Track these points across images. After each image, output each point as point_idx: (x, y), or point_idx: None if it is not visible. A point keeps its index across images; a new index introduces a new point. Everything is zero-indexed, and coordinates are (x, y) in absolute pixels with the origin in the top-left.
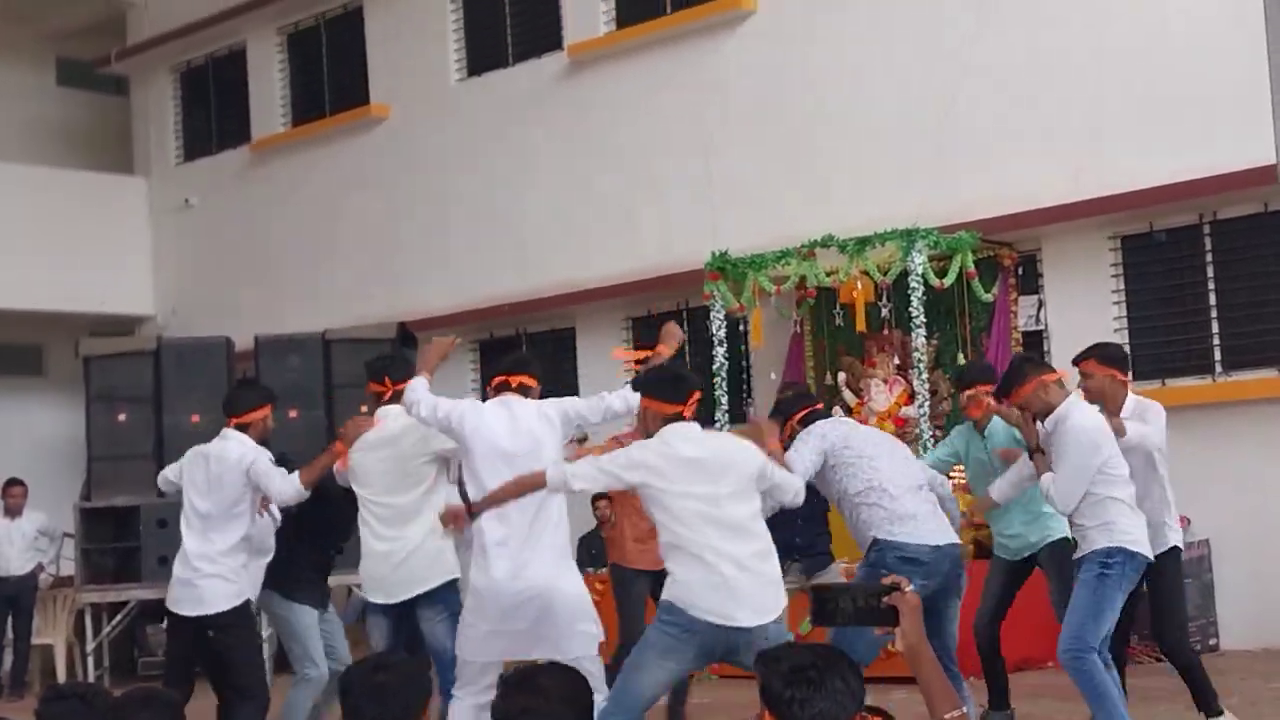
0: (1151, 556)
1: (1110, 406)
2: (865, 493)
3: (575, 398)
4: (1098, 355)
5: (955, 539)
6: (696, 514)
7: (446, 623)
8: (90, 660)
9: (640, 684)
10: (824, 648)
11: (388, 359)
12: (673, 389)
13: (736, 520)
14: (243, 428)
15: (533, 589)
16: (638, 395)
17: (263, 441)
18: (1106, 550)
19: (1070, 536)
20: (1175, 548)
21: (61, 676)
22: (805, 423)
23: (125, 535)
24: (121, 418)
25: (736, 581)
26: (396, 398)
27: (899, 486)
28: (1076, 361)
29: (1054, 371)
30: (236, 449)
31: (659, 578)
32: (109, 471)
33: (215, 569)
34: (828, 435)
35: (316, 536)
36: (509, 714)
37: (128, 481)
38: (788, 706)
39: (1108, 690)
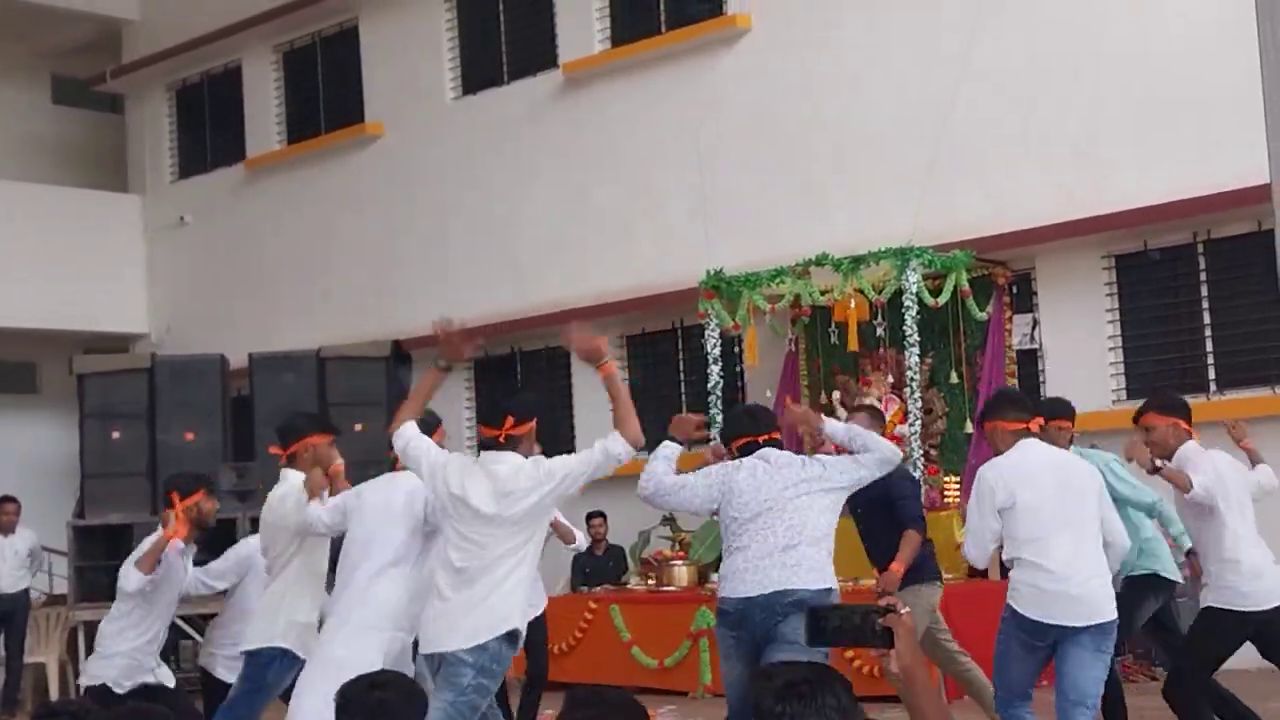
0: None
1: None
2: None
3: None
4: (1157, 406)
5: (775, 588)
6: None
7: None
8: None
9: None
10: (816, 665)
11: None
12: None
13: None
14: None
15: None
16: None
17: (200, 527)
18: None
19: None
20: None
21: (54, 695)
22: (744, 452)
23: (118, 553)
24: (115, 435)
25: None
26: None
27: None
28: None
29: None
30: None
31: None
32: (102, 489)
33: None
34: (713, 477)
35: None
36: None
37: (121, 499)
38: None
39: None
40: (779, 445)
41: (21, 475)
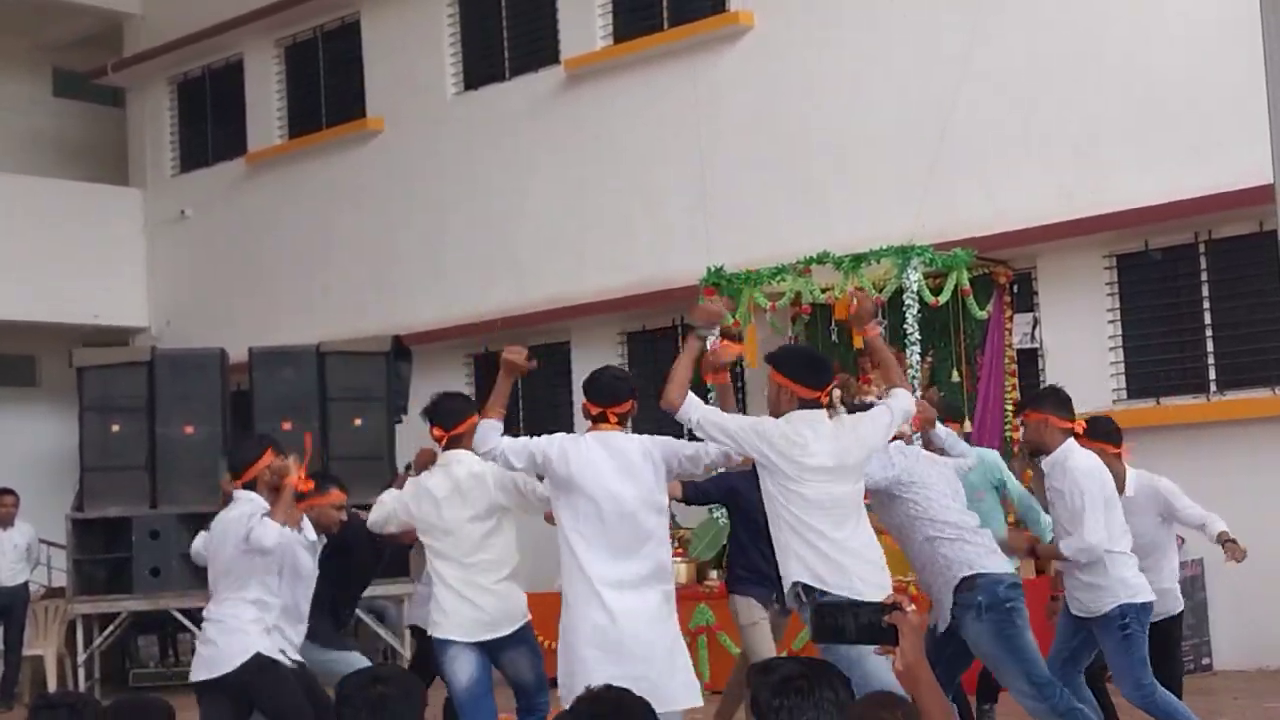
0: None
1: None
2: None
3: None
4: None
5: None
6: None
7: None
8: (81, 671)
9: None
10: (814, 660)
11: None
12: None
13: None
14: (249, 486)
15: None
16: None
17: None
18: None
19: None
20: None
21: (52, 687)
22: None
23: (117, 546)
24: (115, 428)
25: None
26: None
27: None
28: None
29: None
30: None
31: None
32: (101, 482)
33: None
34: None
35: (338, 584)
36: None
37: (120, 492)
38: (776, 715)
39: None
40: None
41: (20, 468)
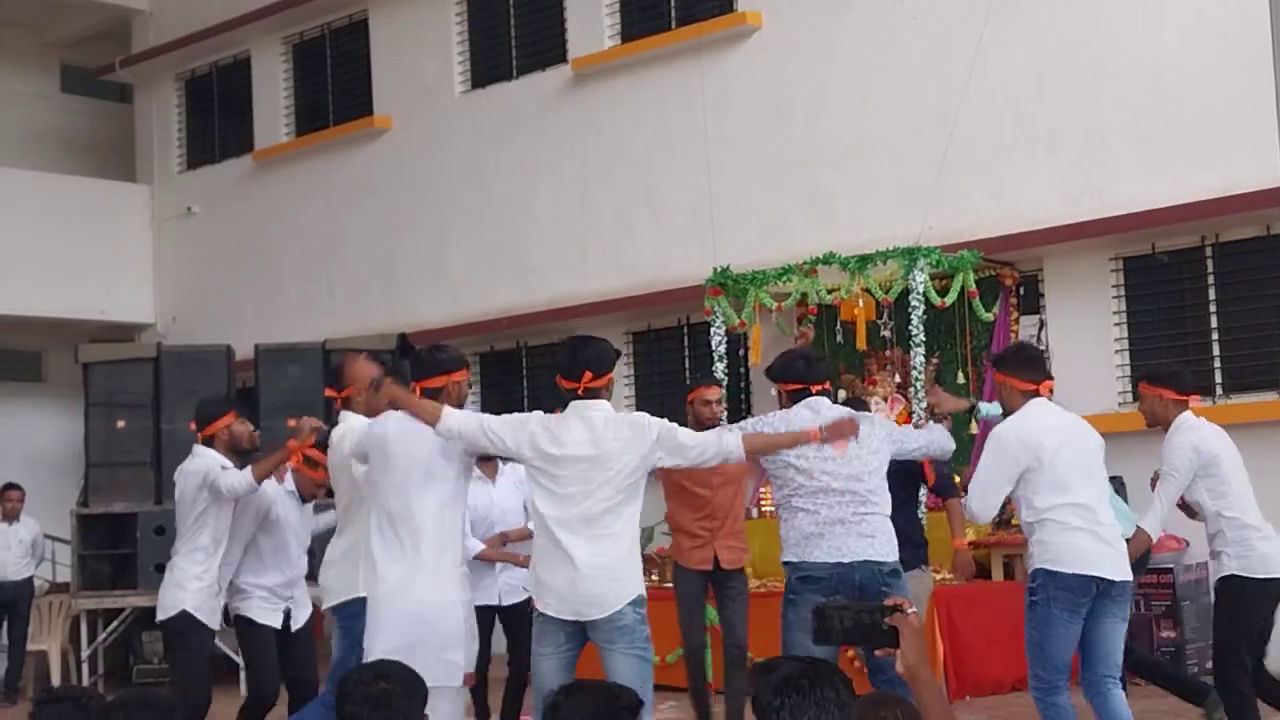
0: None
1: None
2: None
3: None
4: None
5: (870, 557)
6: None
7: None
8: (85, 667)
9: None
10: (814, 659)
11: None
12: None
13: None
14: (209, 441)
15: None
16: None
17: (236, 450)
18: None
19: None
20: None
21: (56, 683)
22: (794, 399)
23: (122, 542)
24: (120, 424)
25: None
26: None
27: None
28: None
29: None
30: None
31: (713, 577)
32: (107, 478)
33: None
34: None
35: None
36: None
37: (125, 488)
38: (777, 715)
39: None
40: (830, 396)
41: (26, 463)
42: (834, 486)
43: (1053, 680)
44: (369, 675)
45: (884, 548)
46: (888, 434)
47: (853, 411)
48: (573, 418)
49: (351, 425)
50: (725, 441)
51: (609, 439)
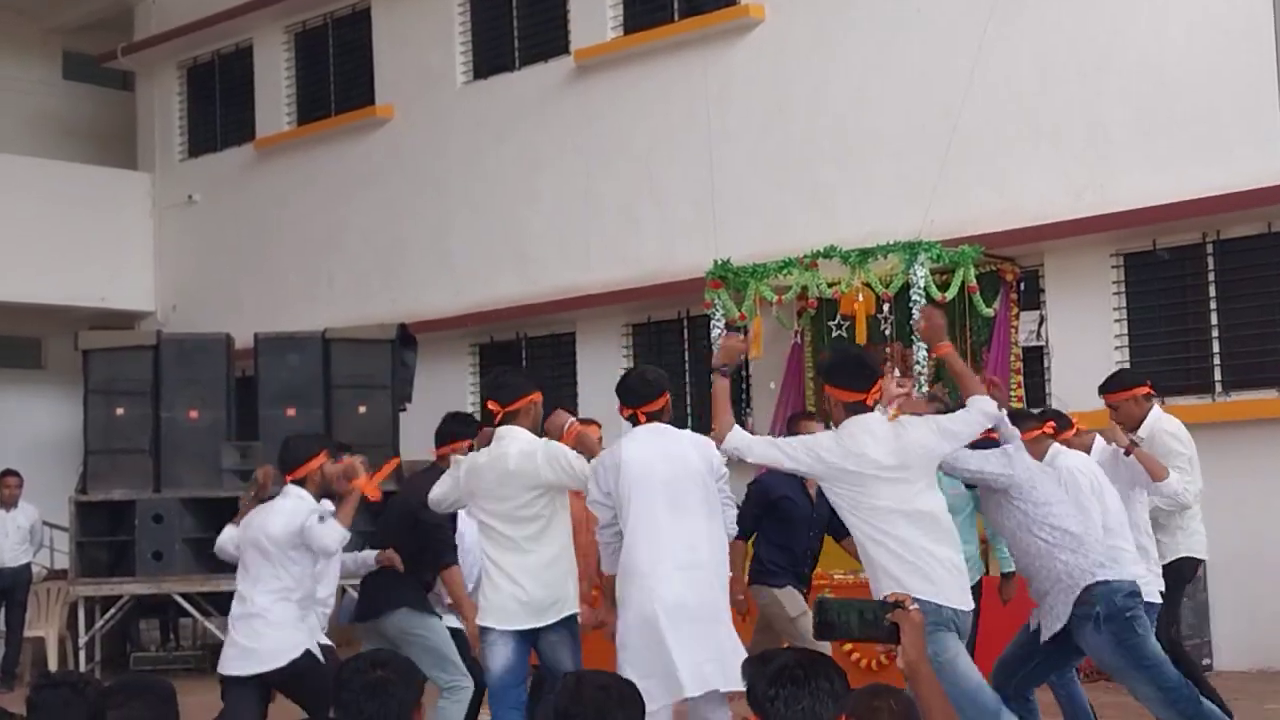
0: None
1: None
2: None
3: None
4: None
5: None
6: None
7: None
8: (82, 654)
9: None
10: (809, 651)
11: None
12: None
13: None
14: (299, 482)
15: None
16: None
17: (328, 494)
18: None
19: None
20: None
21: (53, 669)
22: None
23: (120, 529)
24: (119, 412)
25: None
26: (508, 419)
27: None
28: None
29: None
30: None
31: None
32: (106, 465)
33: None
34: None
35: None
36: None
37: (124, 475)
38: (771, 704)
39: None
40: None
41: (25, 450)
42: None
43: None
44: (365, 664)
45: None
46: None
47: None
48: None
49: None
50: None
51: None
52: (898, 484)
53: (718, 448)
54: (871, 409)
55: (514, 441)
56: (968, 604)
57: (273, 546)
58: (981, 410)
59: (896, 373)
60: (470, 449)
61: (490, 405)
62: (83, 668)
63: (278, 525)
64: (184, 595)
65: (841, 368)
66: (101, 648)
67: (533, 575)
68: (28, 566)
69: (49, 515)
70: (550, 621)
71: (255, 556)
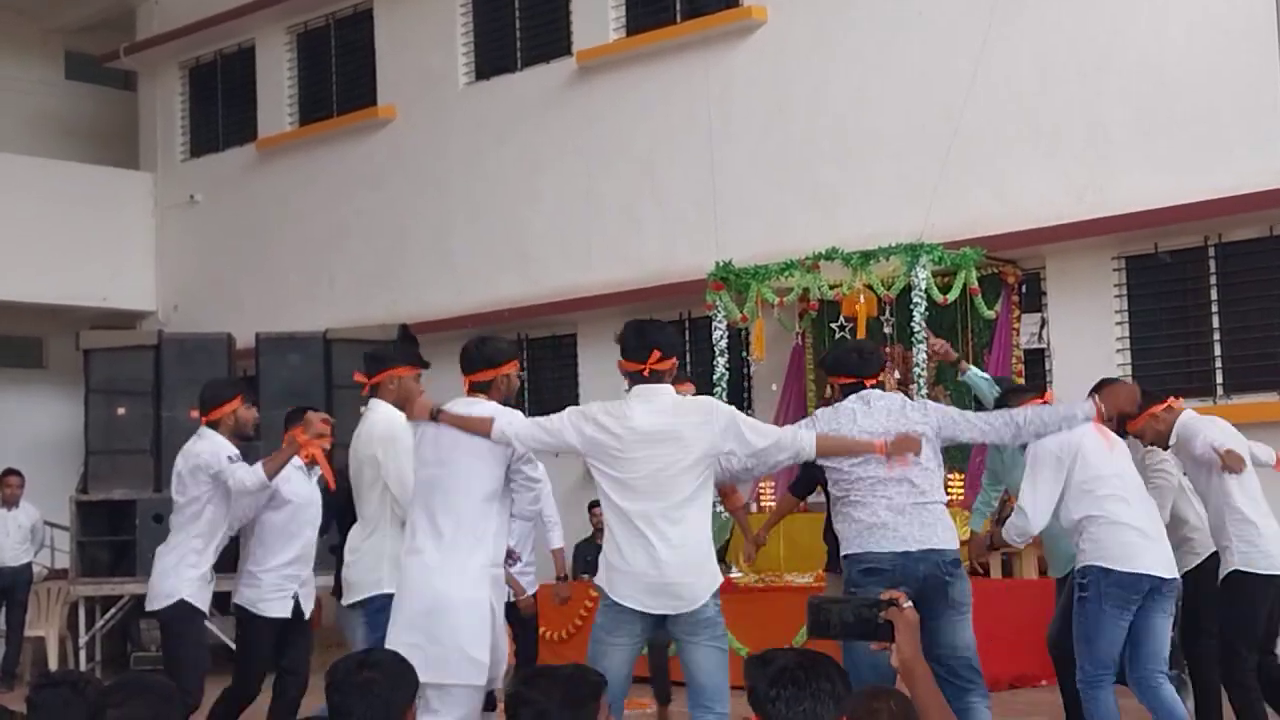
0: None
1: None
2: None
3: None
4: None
5: (934, 545)
6: None
7: None
8: (82, 653)
9: None
10: (810, 652)
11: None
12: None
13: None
14: (214, 424)
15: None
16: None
17: (241, 436)
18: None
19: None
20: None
21: (54, 669)
22: (846, 391)
23: (121, 529)
24: (120, 411)
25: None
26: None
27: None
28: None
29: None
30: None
31: None
32: (106, 465)
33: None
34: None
35: None
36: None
37: (125, 475)
38: (772, 705)
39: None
40: (882, 388)
41: (26, 450)
42: (890, 477)
43: (1096, 675)
44: (355, 664)
45: (945, 535)
46: (939, 420)
47: (914, 433)
48: (635, 401)
49: (385, 414)
50: (799, 439)
51: (678, 421)
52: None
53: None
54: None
55: (373, 411)
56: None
57: (181, 488)
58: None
59: (896, 375)
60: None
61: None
62: (83, 667)
63: (187, 466)
64: None
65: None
66: (102, 647)
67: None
68: (29, 566)
69: (50, 515)
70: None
71: (176, 498)
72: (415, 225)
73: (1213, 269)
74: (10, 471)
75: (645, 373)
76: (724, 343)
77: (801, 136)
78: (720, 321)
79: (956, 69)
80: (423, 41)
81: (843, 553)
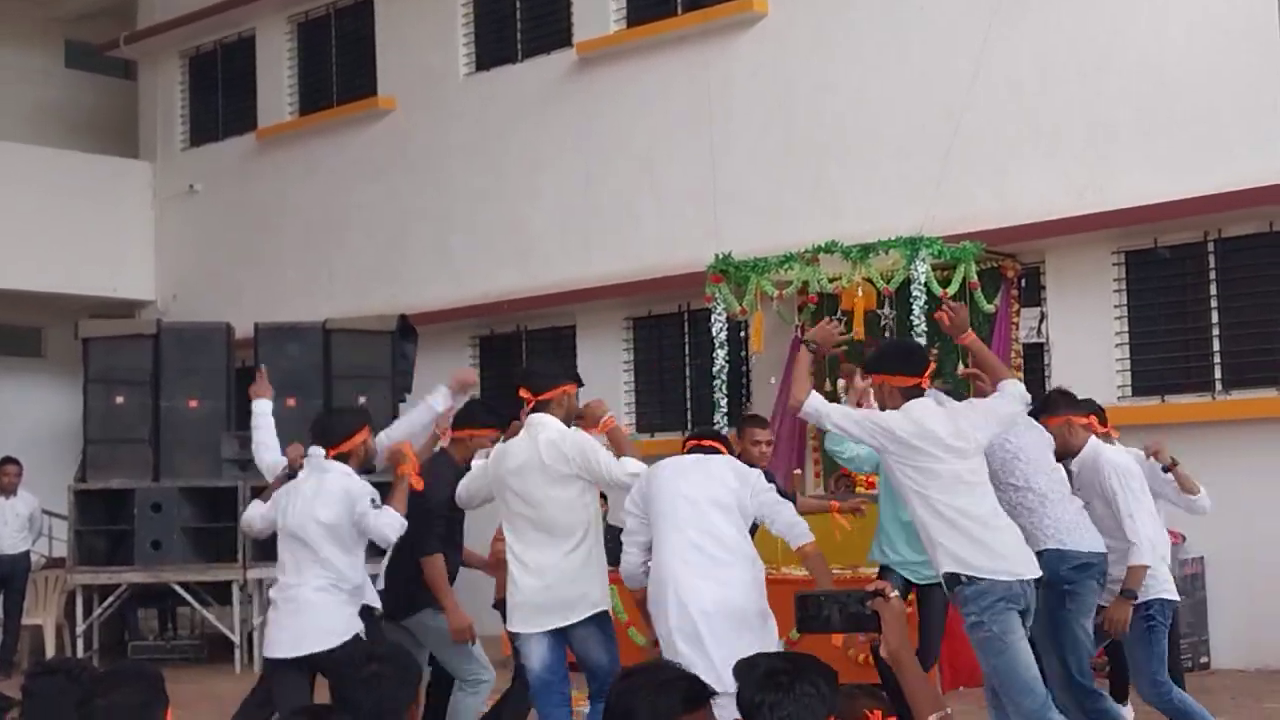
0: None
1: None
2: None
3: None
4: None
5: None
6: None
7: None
8: (80, 642)
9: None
10: (798, 655)
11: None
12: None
13: None
14: (342, 457)
15: None
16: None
17: (366, 470)
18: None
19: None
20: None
21: (50, 657)
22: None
23: (119, 518)
24: (119, 400)
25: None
26: (540, 407)
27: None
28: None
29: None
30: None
31: None
32: (105, 454)
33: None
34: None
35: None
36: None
37: (123, 464)
38: (758, 710)
39: None
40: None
41: (24, 438)
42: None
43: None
44: (362, 657)
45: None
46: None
47: None
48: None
49: (559, 428)
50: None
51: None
52: (959, 458)
53: (797, 413)
54: (924, 393)
55: (543, 430)
56: (1035, 571)
57: (315, 527)
58: (1013, 394)
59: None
60: (498, 439)
61: (522, 393)
62: (80, 656)
63: (327, 512)
64: (182, 584)
65: (893, 355)
66: (99, 636)
67: (559, 571)
68: (26, 554)
69: (48, 503)
70: (578, 619)
71: (298, 546)
72: (415, 216)
73: (1212, 264)
74: (8, 460)
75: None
76: (723, 336)
77: (802, 130)
78: (719, 314)
79: (957, 65)
80: (423, 32)
81: (1049, 546)
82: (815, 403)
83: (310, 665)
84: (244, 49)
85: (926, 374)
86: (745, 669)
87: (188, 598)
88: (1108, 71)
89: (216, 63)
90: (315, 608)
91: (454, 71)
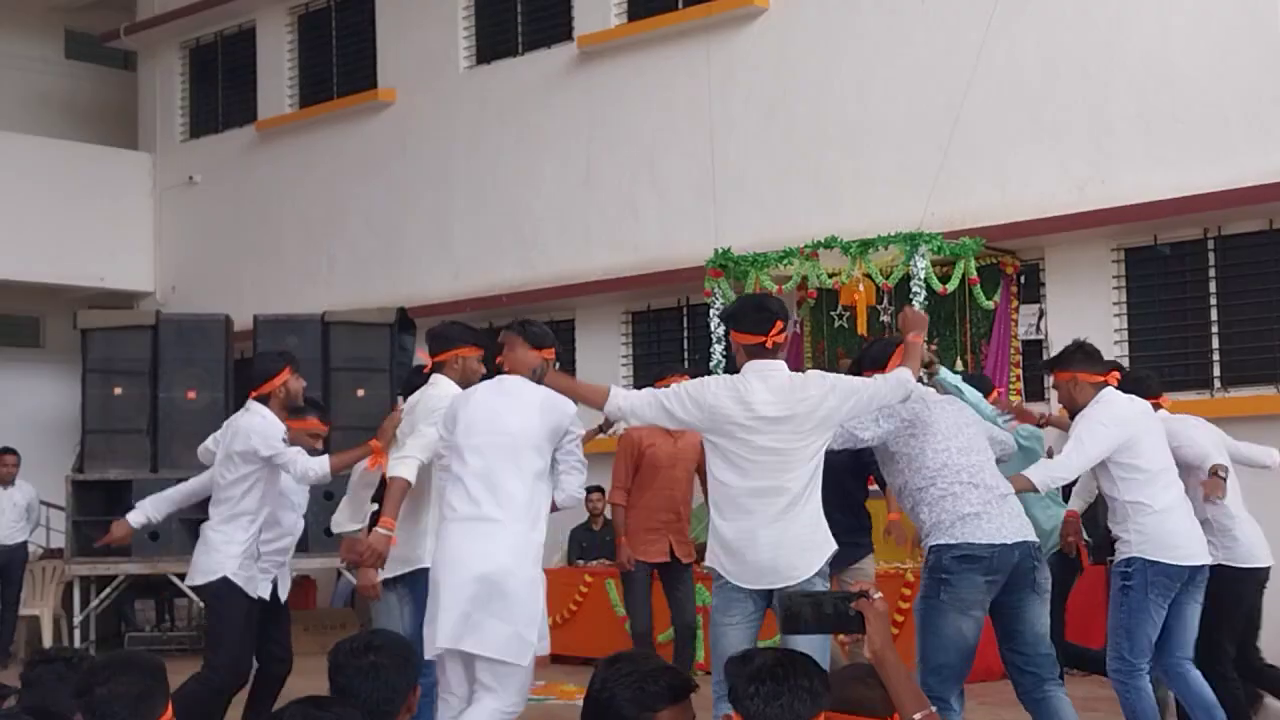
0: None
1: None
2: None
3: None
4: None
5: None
6: None
7: None
8: (77, 633)
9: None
10: (790, 650)
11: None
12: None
13: None
14: (263, 399)
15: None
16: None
17: (291, 409)
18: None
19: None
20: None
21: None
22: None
23: (117, 509)
24: (117, 391)
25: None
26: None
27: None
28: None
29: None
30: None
31: (663, 569)
32: (103, 445)
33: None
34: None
35: None
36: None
37: (121, 455)
38: (750, 702)
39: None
40: None
41: (22, 429)
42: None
43: (1135, 665)
44: (360, 646)
45: (1028, 528)
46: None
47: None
48: (753, 378)
49: (447, 390)
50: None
51: (796, 400)
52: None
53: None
54: (772, 351)
55: (436, 386)
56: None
57: (230, 464)
58: (897, 378)
59: None
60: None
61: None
62: (77, 646)
63: (239, 444)
64: (179, 575)
65: (742, 312)
66: (96, 627)
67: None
68: (24, 545)
69: (45, 494)
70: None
71: (221, 473)
72: (414, 208)
73: (1212, 261)
74: (6, 450)
75: (768, 345)
76: (722, 329)
77: (802, 124)
78: (718, 308)
79: (959, 59)
80: (424, 24)
81: (930, 541)
82: (619, 395)
83: (196, 593)
84: (244, 40)
85: (773, 331)
86: (739, 663)
87: (185, 589)
88: (1109, 67)
89: (217, 54)
90: (202, 542)
91: (454, 64)
